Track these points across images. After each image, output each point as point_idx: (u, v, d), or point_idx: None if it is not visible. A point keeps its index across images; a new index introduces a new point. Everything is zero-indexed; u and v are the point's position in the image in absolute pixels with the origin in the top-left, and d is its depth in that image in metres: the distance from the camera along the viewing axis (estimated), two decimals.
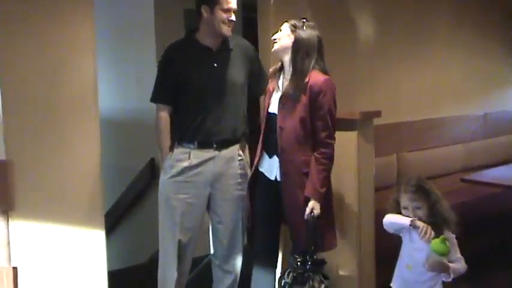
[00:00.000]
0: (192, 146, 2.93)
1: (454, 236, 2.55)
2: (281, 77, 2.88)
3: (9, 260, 2.62)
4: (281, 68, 2.89)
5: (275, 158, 2.84)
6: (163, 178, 2.98)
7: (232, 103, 2.94)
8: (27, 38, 2.63)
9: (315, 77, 2.72)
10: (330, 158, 2.75)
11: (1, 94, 2.55)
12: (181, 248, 2.96)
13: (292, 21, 2.82)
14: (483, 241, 4.16)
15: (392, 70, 4.54)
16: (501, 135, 5.41)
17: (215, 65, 2.93)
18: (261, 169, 2.94)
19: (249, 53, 3.07)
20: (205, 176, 2.95)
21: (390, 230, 2.62)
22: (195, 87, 2.91)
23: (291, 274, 2.77)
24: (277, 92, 2.86)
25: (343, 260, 3.21)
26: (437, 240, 2.43)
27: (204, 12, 2.90)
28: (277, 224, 3.00)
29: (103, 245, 2.91)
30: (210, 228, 3.15)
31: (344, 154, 3.16)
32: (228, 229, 3.04)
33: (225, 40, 2.97)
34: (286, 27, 2.82)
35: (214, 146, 2.93)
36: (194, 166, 2.93)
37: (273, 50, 2.88)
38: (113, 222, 4.65)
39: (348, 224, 3.22)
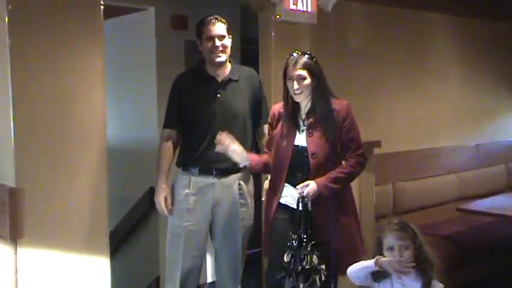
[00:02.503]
0: (193, 172, 2.98)
1: (442, 285, 2.37)
2: (297, 115, 2.83)
3: (16, 287, 2.63)
4: (292, 108, 2.83)
5: None
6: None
7: (234, 133, 2.93)
8: (41, 72, 2.68)
9: (337, 103, 2.78)
10: (362, 165, 2.76)
11: (14, 124, 2.59)
12: (185, 276, 2.97)
13: (303, 61, 2.73)
14: (479, 270, 4.19)
15: (389, 102, 4.64)
16: (493, 166, 5.48)
17: (219, 95, 2.98)
18: (284, 202, 2.82)
19: (254, 82, 3.11)
20: (206, 203, 2.98)
21: (357, 280, 2.42)
22: (198, 116, 2.97)
23: None
24: (296, 126, 2.81)
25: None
26: None
27: (199, 46, 3.04)
28: None
29: (108, 273, 2.93)
30: (214, 256, 3.17)
31: None
32: (227, 257, 3.06)
33: (231, 70, 3.03)
34: (305, 75, 2.72)
35: (214, 173, 2.97)
36: (194, 193, 2.97)
37: (299, 100, 2.78)
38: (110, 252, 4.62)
39: None
